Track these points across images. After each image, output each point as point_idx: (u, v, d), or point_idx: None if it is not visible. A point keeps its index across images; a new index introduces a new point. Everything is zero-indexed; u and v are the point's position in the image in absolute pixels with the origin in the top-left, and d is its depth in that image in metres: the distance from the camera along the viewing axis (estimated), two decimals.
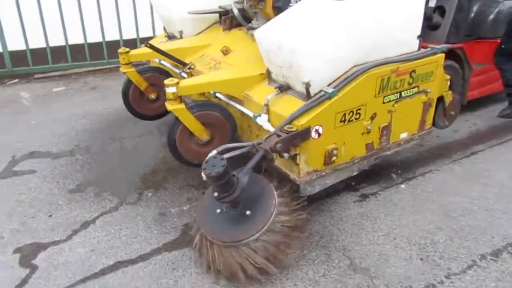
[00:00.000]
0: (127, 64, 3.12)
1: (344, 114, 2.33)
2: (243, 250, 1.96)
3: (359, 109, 2.38)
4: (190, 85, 2.49)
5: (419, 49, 2.65)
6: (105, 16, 4.96)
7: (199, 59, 3.17)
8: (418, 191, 2.84)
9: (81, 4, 4.81)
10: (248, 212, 2.02)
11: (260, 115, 2.41)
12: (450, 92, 3.04)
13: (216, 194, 1.95)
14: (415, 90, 2.62)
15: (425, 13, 3.31)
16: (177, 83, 2.43)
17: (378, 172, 3.06)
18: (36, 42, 4.76)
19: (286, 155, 2.16)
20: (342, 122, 2.34)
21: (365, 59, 2.39)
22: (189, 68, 2.96)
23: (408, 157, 3.28)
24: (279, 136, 2.12)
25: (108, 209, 2.68)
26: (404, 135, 2.74)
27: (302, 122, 2.18)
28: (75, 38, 4.91)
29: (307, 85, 2.26)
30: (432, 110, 2.81)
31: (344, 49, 2.29)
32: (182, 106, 2.46)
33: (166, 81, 2.42)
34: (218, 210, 2.09)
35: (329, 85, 2.30)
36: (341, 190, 2.85)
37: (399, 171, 3.08)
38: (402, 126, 2.69)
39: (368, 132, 2.49)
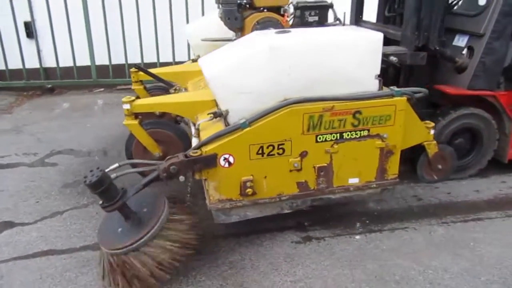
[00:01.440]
0: (136, 82, 3.53)
1: (262, 147, 2.28)
2: (105, 257, 2.10)
3: (282, 144, 2.30)
4: (143, 104, 2.74)
5: (380, 89, 2.42)
6: (177, 39, 5.56)
7: (197, 81, 3.39)
8: (369, 246, 2.54)
9: (157, 30, 5.50)
10: (119, 229, 2.15)
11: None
12: (434, 142, 2.66)
13: (100, 202, 2.13)
14: (365, 133, 2.39)
15: (444, 52, 3.03)
16: (132, 100, 2.70)
17: (343, 217, 2.83)
18: (118, 58, 5.60)
19: (181, 178, 2.22)
20: (260, 155, 2.29)
21: (302, 93, 2.30)
22: (175, 89, 3.20)
23: (392, 209, 2.94)
24: (178, 158, 2.20)
25: (80, 205, 3.05)
26: (354, 181, 2.50)
27: (207, 148, 2.23)
28: (150, 57, 5.61)
29: (225, 113, 2.29)
30: (396, 158, 2.50)
31: (269, 82, 2.25)
32: (136, 122, 2.72)
33: (123, 99, 2.71)
34: (115, 217, 2.25)
35: None
36: (287, 228, 2.72)
37: (367, 221, 2.79)
38: (350, 171, 2.47)
39: (298, 170, 2.37)
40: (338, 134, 2.35)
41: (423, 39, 2.87)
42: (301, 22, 3.08)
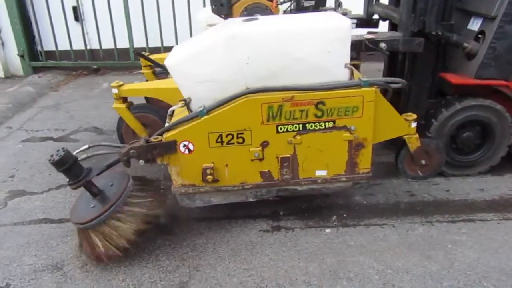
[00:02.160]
0: (145, 66, 3.69)
1: (221, 136, 2.30)
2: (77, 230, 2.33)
3: (241, 133, 2.30)
4: (131, 89, 2.88)
5: (351, 79, 2.31)
6: None
7: None
8: (336, 241, 2.48)
9: (191, 14, 5.64)
10: (92, 205, 2.32)
11: None
12: (415, 136, 2.48)
13: (67, 180, 2.32)
14: (330, 124, 2.30)
15: (449, 37, 2.80)
16: (120, 85, 2.85)
17: (321, 208, 2.78)
18: (154, 42, 5.84)
19: (141, 162, 2.32)
20: (219, 143, 2.32)
21: (265, 82, 2.27)
22: None
23: (377, 203, 2.82)
24: (138, 143, 2.31)
25: None
26: (321, 173, 2.44)
27: (168, 135, 2.30)
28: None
29: (188, 101, 2.34)
30: (367, 152, 2.38)
31: (229, 71, 2.25)
32: (123, 105, 2.87)
33: (112, 84, 2.87)
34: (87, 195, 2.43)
35: None
36: (261, 216, 2.73)
37: (345, 215, 2.71)
38: (317, 163, 2.41)
39: (260, 160, 2.37)
40: (300, 125, 2.30)
41: (418, 23, 2.65)
42: (296, 7, 2.99)
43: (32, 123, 4.54)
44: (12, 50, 6.13)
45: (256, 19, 2.37)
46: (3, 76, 6.18)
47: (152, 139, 2.32)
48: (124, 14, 5.71)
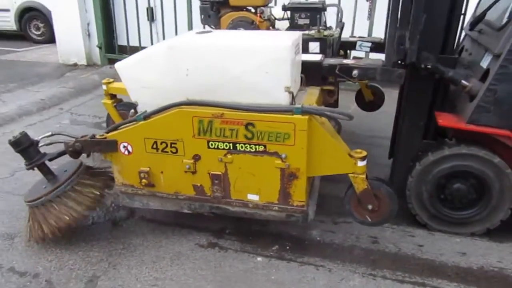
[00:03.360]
0: None
1: (156, 142, 2.33)
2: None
3: (174, 143, 2.31)
4: (117, 87, 3.05)
5: (291, 103, 2.17)
6: None
7: None
8: (260, 271, 2.33)
9: None
10: (44, 186, 2.53)
11: None
12: (361, 176, 2.20)
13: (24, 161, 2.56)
14: (260, 148, 2.18)
15: (444, 72, 2.50)
16: (109, 82, 3.05)
17: (270, 235, 2.64)
18: None
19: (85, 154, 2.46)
20: (155, 149, 2.35)
21: (204, 95, 2.25)
22: None
23: (331, 242, 2.58)
24: (84, 138, 2.45)
25: None
26: (253, 197, 2.32)
27: (111, 134, 2.41)
28: None
29: (136, 104, 2.42)
30: (301, 183, 2.20)
31: (169, 81, 2.28)
32: (110, 101, 3.07)
33: (103, 81, 3.08)
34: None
35: None
36: (207, 230, 2.68)
37: (288, 247, 2.53)
38: (249, 186, 2.30)
39: (192, 172, 2.35)
40: (231, 144, 2.22)
41: (398, 53, 2.36)
42: (291, 24, 2.87)
43: (80, 108, 5.07)
44: (97, 41, 6.89)
45: (210, 31, 2.36)
46: (86, 63, 6.98)
47: (97, 135, 2.45)
48: (187, 18, 6.04)
